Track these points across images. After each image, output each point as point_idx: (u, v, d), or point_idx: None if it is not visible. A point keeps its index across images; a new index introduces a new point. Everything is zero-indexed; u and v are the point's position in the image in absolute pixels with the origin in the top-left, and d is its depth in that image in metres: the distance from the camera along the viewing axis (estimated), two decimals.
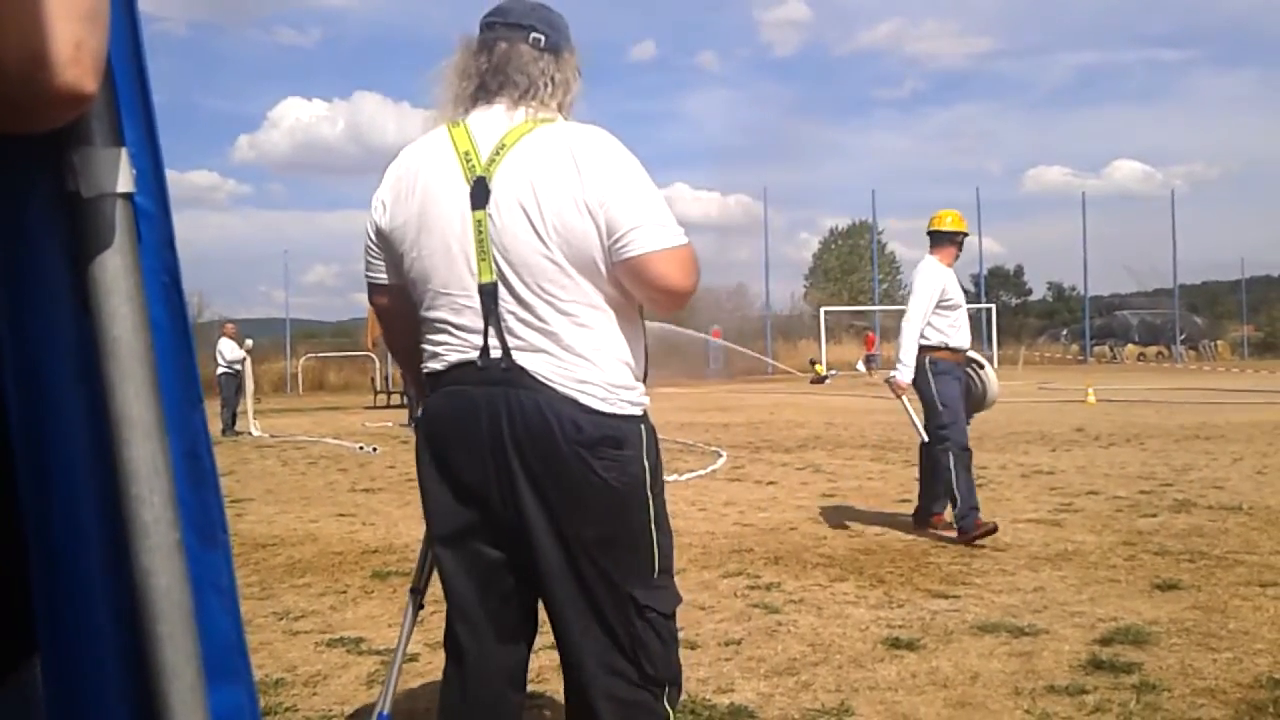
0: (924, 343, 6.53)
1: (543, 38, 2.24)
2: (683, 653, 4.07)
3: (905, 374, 6.48)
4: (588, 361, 2.12)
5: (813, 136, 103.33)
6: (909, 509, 7.67)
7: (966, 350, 6.71)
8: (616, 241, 2.07)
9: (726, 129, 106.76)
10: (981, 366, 6.85)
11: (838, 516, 7.44)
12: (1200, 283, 63.55)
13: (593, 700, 2.21)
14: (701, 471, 10.36)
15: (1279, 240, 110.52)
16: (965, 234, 6.92)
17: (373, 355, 31.10)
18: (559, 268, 2.09)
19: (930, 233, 6.90)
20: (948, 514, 6.61)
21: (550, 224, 2.08)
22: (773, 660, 4.06)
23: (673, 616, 2.29)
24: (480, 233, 2.12)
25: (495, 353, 2.13)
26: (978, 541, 6.13)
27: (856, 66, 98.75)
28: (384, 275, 2.34)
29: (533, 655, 2.46)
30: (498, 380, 2.12)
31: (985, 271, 55.30)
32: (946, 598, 4.95)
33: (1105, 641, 4.15)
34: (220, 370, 17.78)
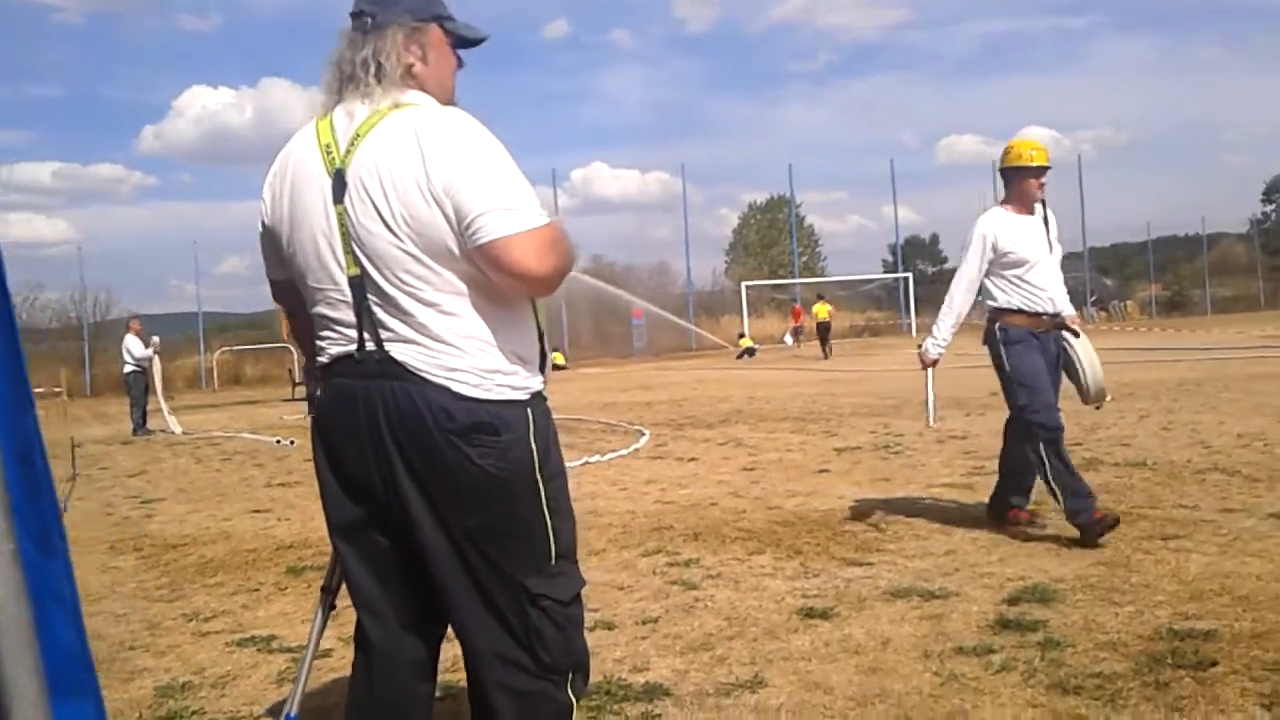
0: (993, 304, 5.58)
1: (370, 19, 2.18)
2: (600, 633, 4.08)
3: (933, 348, 5.71)
4: (456, 349, 2.09)
5: (729, 112, 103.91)
6: (827, 480, 7.77)
7: (1052, 314, 5.51)
8: (467, 228, 2.01)
9: (643, 106, 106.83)
10: (1076, 337, 5.54)
11: (757, 490, 7.49)
12: (1110, 245, 65.16)
13: (488, 692, 2.20)
14: (624, 451, 10.36)
15: (1185, 201, 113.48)
16: (1025, 168, 5.53)
17: (290, 346, 30.61)
18: (414, 258, 2.06)
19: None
20: (1029, 509, 5.73)
21: (398, 214, 2.04)
22: (689, 636, 4.07)
23: (573, 602, 2.26)
24: (343, 226, 2.11)
25: (369, 345, 2.12)
26: (1100, 539, 5.06)
27: (770, 41, 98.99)
28: (275, 270, 2.35)
29: (445, 644, 2.43)
30: (373, 373, 2.12)
31: (902, 241, 56.14)
32: (861, 565, 5.01)
33: (1013, 601, 4.24)
34: (128, 368, 17.33)
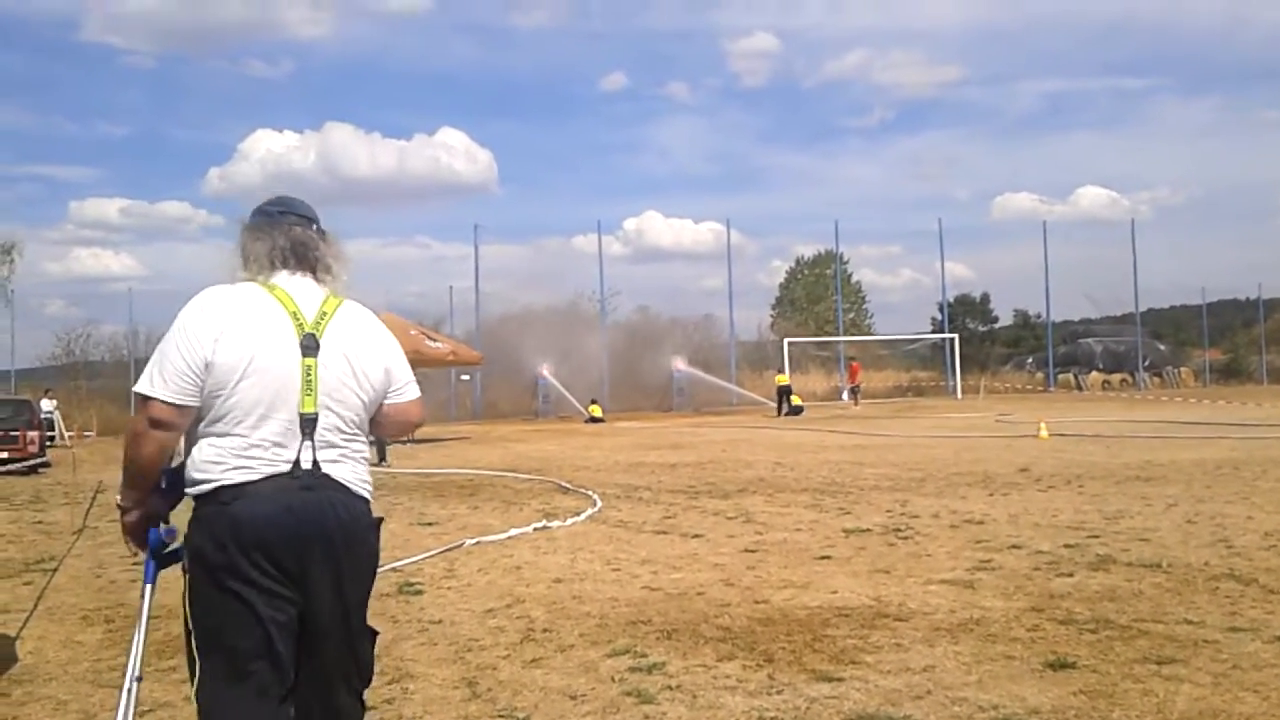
0: None
1: (316, 225, 3.08)
2: None
3: None
4: (361, 465, 2.94)
5: (783, 164, 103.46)
6: (826, 570, 7.48)
7: None
8: (396, 389, 3.05)
9: (697, 157, 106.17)
10: None
11: (750, 578, 7.21)
12: (1167, 308, 63.94)
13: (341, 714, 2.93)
14: (580, 517, 10.12)
15: (1243, 264, 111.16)
16: None
17: None
18: (363, 403, 2.95)
19: None
20: None
21: (364, 372, 2.94)
22: None
23: None
24: (309, 375, 2.83)
25: (306, 464, 2.80)
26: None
27: (825, 96, 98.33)
28: (189, 397, 2.76)
29: None
30: (310, 485, 2.79)
31: (953, 299, 55.52)
32: (830, 680, 4.73)
33: None
34: None
